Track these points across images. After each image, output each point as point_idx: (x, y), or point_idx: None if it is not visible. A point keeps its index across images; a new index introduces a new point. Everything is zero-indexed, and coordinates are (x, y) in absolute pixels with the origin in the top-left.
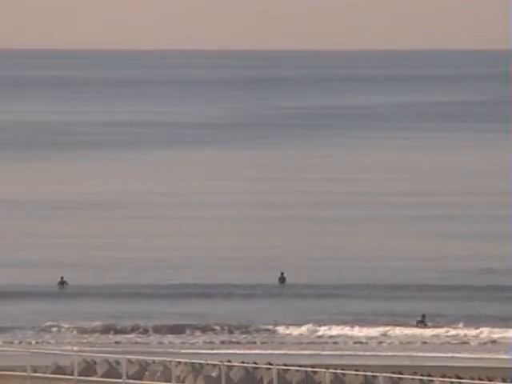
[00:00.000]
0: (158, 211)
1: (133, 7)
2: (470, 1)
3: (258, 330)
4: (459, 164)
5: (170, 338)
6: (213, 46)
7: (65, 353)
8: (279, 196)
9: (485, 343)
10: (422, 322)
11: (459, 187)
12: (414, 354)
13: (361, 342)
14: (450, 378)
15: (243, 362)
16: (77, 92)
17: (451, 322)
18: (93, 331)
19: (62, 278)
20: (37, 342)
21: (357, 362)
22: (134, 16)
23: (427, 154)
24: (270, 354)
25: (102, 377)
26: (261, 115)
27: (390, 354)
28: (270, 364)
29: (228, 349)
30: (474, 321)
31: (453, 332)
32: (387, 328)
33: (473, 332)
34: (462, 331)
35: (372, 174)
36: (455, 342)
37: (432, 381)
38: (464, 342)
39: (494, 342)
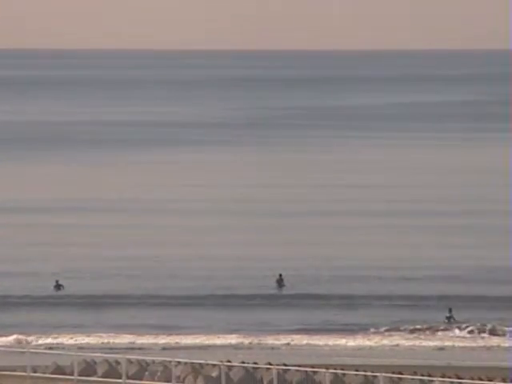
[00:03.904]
0: (156, 216)
1: (132, 7)
2: (469, 1)
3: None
4: (460, 165)
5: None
6: (213, 45)
7: (65, 353)
8: (278, 201)
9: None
10: (450, 318)
11: (460, 191)
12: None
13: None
14: (449, 378)
15: (243, 362)
16: (76, 92)
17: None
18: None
19: (57, 281)
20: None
21: (357, 362)
22: (134, 16)
23: (427, 154)
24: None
25: (101, 377)
26: (260, 115)
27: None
28: (270, 364)
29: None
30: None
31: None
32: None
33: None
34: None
35: (372, 176)
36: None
37: (432, 381)
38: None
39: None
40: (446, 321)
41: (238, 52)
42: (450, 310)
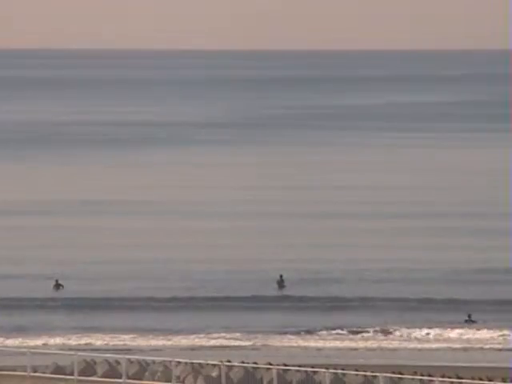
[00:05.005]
0: (156, 218)
1: (132, 7)
2: (469, 1)
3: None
4: (459, 166)
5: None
6: (213, 46)
7: (65, 353)
8: (278, 202)
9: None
10: (469, 321)
11: (460, 192)
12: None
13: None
14: (449, 378)
15: (243, 362)
16: (76, 92)
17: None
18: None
19: (56, 280)
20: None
21: (357, 362)
22: (134, 16)
23: (427, 155)
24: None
25: (101, 377)
26: (261, 115)
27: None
28: (270, 364)
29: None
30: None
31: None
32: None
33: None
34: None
35: (372, 176)
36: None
37: (432, 381)
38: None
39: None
40: (465, 320)
41: (238, 52)
42: (470, 316)
